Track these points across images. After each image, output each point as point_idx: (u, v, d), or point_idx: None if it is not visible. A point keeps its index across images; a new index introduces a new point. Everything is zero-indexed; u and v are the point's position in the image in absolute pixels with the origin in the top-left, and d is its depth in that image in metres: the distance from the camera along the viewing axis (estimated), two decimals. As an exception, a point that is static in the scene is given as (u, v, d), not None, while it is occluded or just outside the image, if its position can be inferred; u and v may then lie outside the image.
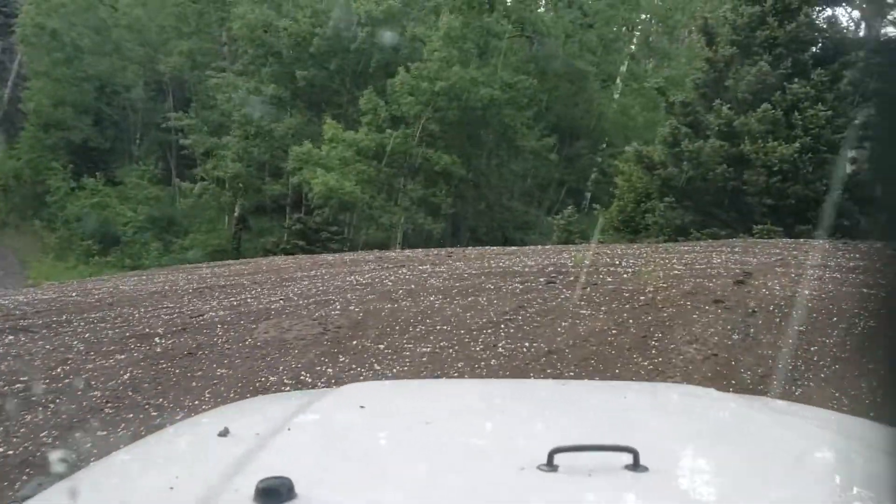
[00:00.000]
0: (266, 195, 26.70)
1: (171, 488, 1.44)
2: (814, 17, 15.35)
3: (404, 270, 9.28)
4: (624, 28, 35.75)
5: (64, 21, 33.40)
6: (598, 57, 33.08)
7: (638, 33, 36.50)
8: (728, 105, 14.81)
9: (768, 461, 1.58)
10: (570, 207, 21.09)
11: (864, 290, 6.42)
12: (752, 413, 2.07)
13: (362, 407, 1.98)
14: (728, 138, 14.68)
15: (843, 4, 17.40)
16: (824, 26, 15.69)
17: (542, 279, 7.83)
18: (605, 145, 32.71)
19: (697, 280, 7.06)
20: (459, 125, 24.42)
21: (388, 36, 24.26)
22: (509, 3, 29.87)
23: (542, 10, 34.19)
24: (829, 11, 15.92)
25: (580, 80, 31.03)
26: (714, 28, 16.11)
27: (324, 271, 9.80)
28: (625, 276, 7.60)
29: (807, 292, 6.49)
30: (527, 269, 8.57)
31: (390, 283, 8.30)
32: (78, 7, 33.90)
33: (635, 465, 1.41)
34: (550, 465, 1.42)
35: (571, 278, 7.74)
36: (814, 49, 15.38)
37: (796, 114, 14.25)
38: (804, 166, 13.98)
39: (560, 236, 21.17)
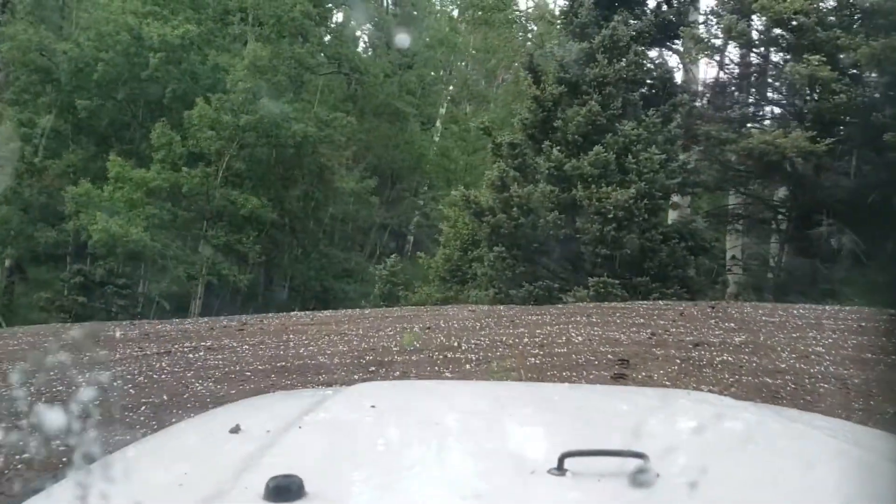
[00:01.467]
0: (39, 243, 22.85)
1: (181, 485, 1.45)
2: (641, 56, 14.63)
3: (165, 361, 6.95)
4: (441, 71, 35.09)
5: None
6: (418, 98, 32.07)
7: (455, 76, 35.92)
8: (558, 147, 13.64)
9: (780, 470, 1.59)
10: (393, 256, 19.21)
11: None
12: (764, 421, 2.06)
13: (373, 406, 1.95)
14: (559, 182, 13.49)
15: (668, 45, 17.02)
16: (653, 66, 15.05)
17: (355, 377, 5.86)
18: (426, 188, 31.59)
19: (564, 374, 5.37)
20: (269, 164, 22.06)
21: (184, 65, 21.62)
22: (326, 40, 28.09)
23: (360, 48, 32.77)
24: (656, 51, 15.32)
25: (400, 120, 29.71)
26: (540, 65, 15.01)
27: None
28: (468, 367, 5.79)
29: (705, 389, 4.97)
30: (337, 359, 6.55)
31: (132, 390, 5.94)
32: None
33: (646, 471, 1.40)
34: (560, 470, 1.42)
35: (397, 373, 5.83)
36: (643, 89, 14.63)
37: (629, 157, 13.29)
38: (639, 213, 12.98)
39: (383, 288, 19.30)
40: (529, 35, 33.34)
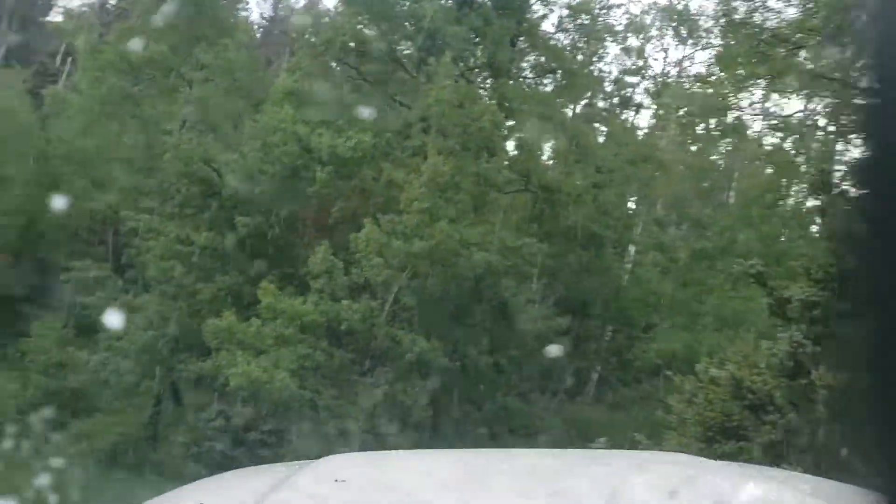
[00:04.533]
0: (182, 376, 20.18)
1: None
2: None
3: None
4: (639, 187, 30.77)
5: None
6: (614, 220, 27.84)
7: (658, 194, 31.38)
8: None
9: None
10: (602, 440, 14.05)
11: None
12: (737, 482, 2.07)
13: (342, 480, 1.92)
14: None
15: None
16: None
17: None
18: (622, 323, 26.96)
19: None
20: (443, 300, 18.26)
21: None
22: (512, 153, 24.73)
23: (549, 161, 29.21)
24: None
25: (595, 246, 25.46)
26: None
27: None
28: None
29: None
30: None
31: None
32: (8, 131, 28.83)
33: None
34: None
35: None
36: None
37: None
38: None
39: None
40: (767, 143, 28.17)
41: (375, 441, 17.18)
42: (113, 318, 21.49)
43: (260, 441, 18.73)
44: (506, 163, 23.06)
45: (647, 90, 34.43)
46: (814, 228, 10.31)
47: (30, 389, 23.55)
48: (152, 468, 20.86)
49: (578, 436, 22.48)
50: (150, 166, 26.90)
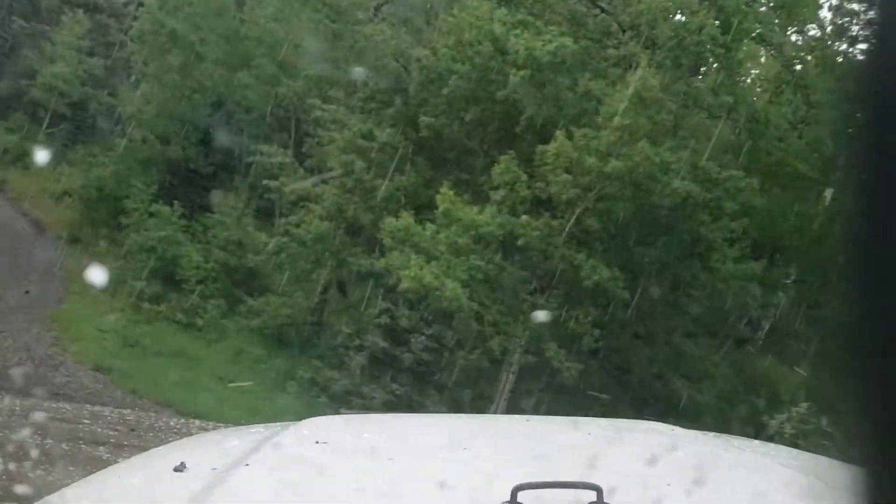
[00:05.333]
0: (352, 270, 20.13)
1: None
2: None
3: None
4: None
5: (188, 23, 28.86)
6: (821, 161, 24.92)
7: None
8: None
9: (731, 500, 1.68)
10: (803, 406, 12.30)
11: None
12: (715, 451, 2.12)
13: (324, 442, 1.92)
14: None
15: None
16: None
17: None
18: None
19: None
20: (630, 227, 16.88)
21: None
22: (720, 76, 22.34)
23: (758, 89, 26.39)
24: None
25: (799, 188, 22.89)
26: None
27: None
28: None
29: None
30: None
31: None
32: (206, 10, 29.31)
33: (599, 503, 1.43)
34: (514, 503, 1.43)
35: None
36: None
37: None
38: None
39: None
40: None
41: (539, 362, 16.45)
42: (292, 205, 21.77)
43: (421, 344, 18.53)
44: (712, 87, 20.85)
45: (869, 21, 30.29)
46: None
47: (210, 263, 24.62)
48: (315, 353, 21.34)
49: (747, 388, 20.83)
50: (338, 57, 26.67)
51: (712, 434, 2.57)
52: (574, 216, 16.37)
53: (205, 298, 23.88)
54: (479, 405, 18.03)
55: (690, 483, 1.69)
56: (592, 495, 1.42)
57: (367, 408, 18.47)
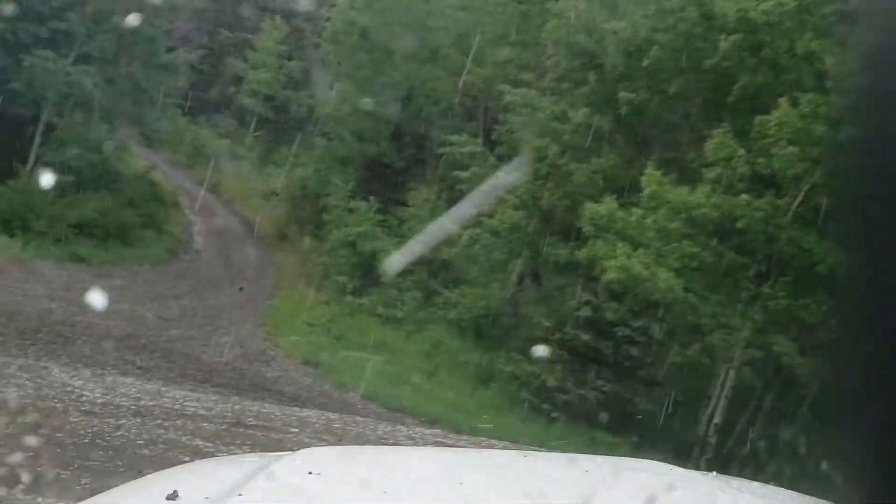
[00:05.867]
0: (549, 260, 19.28)
1: None
2: None
3: None
4: None
5: (378, 19, 29.33)
6: None
7: None
8: None
9: None
10: None
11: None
12: (713, 492, 2.11)
13: (317, 473, 1.93)
14: None
15: None
16: None
17: None
18: None
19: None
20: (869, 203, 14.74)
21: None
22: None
23: None
24: None
25: None
26: None
27: None
28: None
29: None
30: None
31: None
32: (395, 4, 29.62)
33: None
34: None
35: None
36: None
37: None
38: None
39: None
40: None
41: (765, 360, 14.78)
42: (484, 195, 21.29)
43: (626, 338, 17.36)
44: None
45: None
46: None
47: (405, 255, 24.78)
48: (513, 346, 20.77)
49: None
50: (527, 39, 25.89)
51: (712, 474, 2.56)
52: (802, 193, 14.49)
53: (402, 291, 24.04)
54: (693, 404, 16.64)
55: None
56: None
57: (570, 404, 17.64)
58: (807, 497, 2.19)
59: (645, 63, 17.48)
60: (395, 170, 29.77)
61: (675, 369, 16.23)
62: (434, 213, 26.16)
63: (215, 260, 27.25)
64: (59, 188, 21.85)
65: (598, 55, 19.04)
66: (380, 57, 29.29)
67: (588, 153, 18.65)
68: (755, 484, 2.56)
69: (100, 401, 9.56)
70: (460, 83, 27.97)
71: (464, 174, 21.67)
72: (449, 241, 23.38)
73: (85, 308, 17.39)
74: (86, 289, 19.05)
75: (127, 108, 26.69)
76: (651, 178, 15.18)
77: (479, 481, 1.99)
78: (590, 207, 15.76)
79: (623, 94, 17.83)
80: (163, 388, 12.40)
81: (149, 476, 2.28)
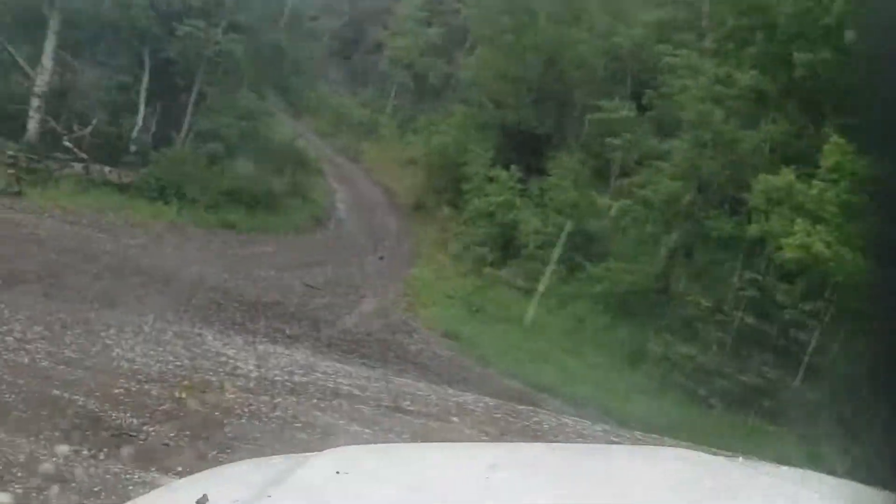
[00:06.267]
0: (709, 235, 17.93)
1: None
2: None
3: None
4: None
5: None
6: None
7: None
8: None
9: None
10: None
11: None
12: (744, 478, 2.11)
13: (346, 473, 1.93)
14: None
15: None
16: None
17: None
18: None
19: None
20: None
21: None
22: None
23: None
24: None
25: None
26: None
27: None
28: None
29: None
30: None
31: None
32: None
33: None
34: None
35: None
36: None
37: None
38: None
39: None
40: None
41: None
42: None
43: (795, 322, 15.90)
44: None
45: None
46: None
47: (548, 226, 23.93)
48: (663, 325, 19.64)
49: None
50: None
51: (741, 459, 2.52)
52: None
53: (543, 264, 23.28)
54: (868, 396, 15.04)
55: None
56: None
57: (728, 390, 16.43)
58: (838, 479, 2.17)
59: (825, 20, 15.69)
60: (535, 136, 28.87)
61: (856, 357, 14.66)
62: (577, 183, 25.17)
63: (356, 228, 27.43)
64: (210, 156, 22.44)
65: (768, 11, 17.32)
66: (522, 20, 28.41)
67: (755, 119, 17.07)
68: (784, 468, 2.53)
69: (254, 374, 9.44)
70: (607, 46, 26.69)
71: (615, 141, 20.49)
72: (596, 212, 22.40)
73: (235, 274, 17.73)
74: (236, 255, 19.47)
75: (273, 77, 27.09)
76: (834, 147, 13.60)
77: (508, 476, 1.98)
78: (764, 178, 14.34)
79: (799, 55, 16.10)
80: (311, 359, 12.31)
81: (179, 481, 2.33)
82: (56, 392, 7.44)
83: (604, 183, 24.87)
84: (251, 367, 9.94)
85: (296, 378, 9.62)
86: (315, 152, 32.10)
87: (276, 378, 9.54)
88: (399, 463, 2.18)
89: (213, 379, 8.75)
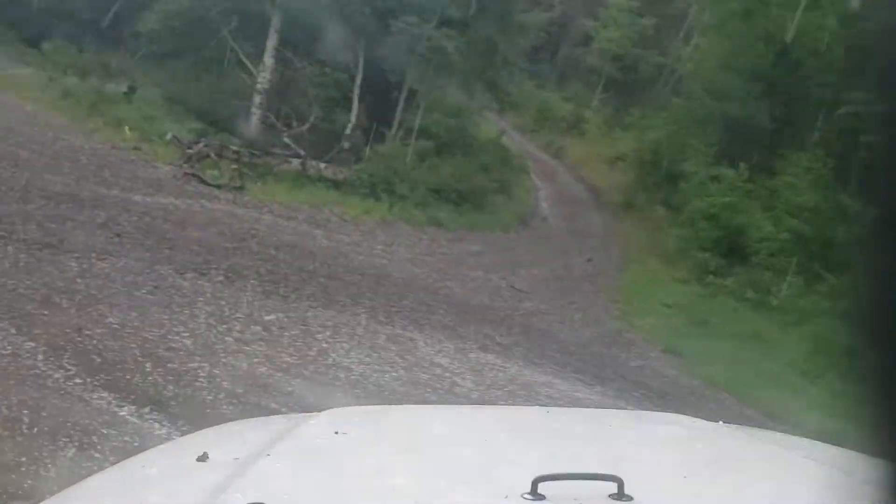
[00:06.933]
0: None
1: None
2: None
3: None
4: None
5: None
6: None
7: None
8: None
9: (753, 492, 1.63)
10: None
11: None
12: (736, 442, 2.15)
13: (343, 433, 1.94)
14: None
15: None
16: None
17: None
18: None
19: None
20: None
21: None
22: None
23: None
24: None
25: None
26: None
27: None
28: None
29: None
30: None
31: None
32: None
33: (620, 495, 1.42)
34: (535, 494, 1.42)
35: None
36: None
37: None
38: None
39: None
40: None
41: None
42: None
43: None
44: None
45: None
46: None
47: (781, 232, 21.51)
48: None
49: None
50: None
51: (734, 426, 2.52)
52: None
53: (777, 273, 20.87)
54: None
55: (711, 476, 1.74)
56: (613, 487, 1.41)
57: None
58: (830, 446, 2.13)
59: None
60: (764, 132, 26.22)
61: None
62: (816, 185, 22.43)
63: (561, 227, 26.24)
64: (420, 152, 22.15)
65: None
66: (752, 5, 25.89)
67: None
68: (778, 434, 2.51)
69: (474, 395, 8.54)
70: (850, 33, 23.67)
71: (868, 138, 17.82)
72: (841, 218, 19.70)
73: (444, 274, 17.12)
74: (445, 254, 18.90)
75: (483, 72, 26.47)
76: None
77: (504, 438, 1.97)
78: None
79: None
80: (525, 372, 11.34)
81: (178, 439, 2.54)
82: (274, 406, 6.89)
83: (845, 185, 21.97)
84: (469, 385, 9.06)
85: (519, 401, 8.63)
86: (517, 148, 31.29)
87: (498, 398, 8.60)
88: (396, 424, 2.18)
89: (434, 399, 7.95)
